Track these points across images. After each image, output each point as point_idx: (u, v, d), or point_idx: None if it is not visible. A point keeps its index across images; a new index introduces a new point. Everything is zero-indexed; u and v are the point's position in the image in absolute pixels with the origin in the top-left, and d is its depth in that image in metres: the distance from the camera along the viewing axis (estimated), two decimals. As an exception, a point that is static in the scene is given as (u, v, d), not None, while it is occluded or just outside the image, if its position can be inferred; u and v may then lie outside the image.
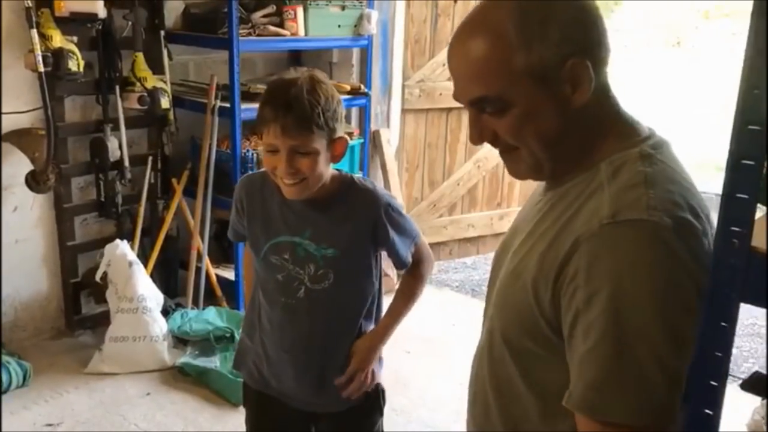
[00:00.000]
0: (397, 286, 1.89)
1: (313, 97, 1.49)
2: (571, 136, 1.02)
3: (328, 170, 1.60)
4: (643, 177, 0.96)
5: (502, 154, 1.07)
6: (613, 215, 0.93)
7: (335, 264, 1.62)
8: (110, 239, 3.30)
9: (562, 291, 0.96)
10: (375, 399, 1.80)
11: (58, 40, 2.98)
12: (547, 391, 1.04)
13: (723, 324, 0.78)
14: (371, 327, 1.75)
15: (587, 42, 0.99)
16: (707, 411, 0.80)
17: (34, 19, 2.90)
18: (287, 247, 1.64)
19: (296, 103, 1.48)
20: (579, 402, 0.93)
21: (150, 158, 3.52)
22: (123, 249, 3.19)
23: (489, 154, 4.53)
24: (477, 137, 1.05)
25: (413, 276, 1.78)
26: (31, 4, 2.91)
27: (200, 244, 3.59)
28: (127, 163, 3.38)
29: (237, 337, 3.23)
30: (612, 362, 0.90)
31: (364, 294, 1.70)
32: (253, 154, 3.49)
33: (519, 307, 1.04)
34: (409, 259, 1.72)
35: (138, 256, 3.33)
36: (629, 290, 0.90)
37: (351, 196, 1.63)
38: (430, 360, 3.39)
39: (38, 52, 2.91)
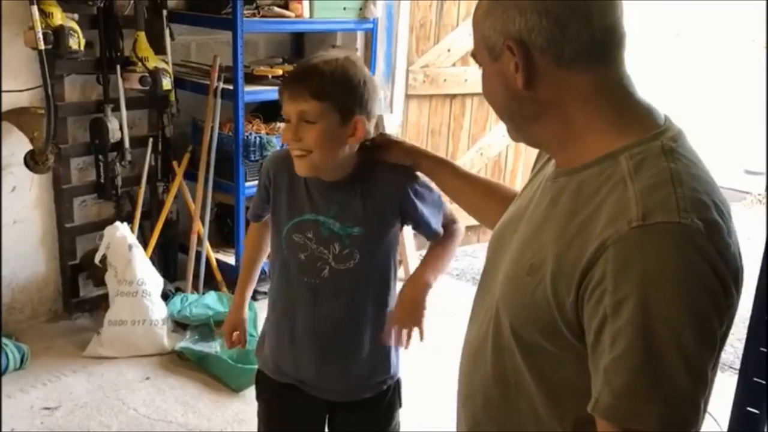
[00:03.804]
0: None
1: (335, 70, 1.48)
2: (540, 116, 1.02)
3: (341, 151, 1.53)
4: (668, 174, 0.93)
5: None
6: (644, 217, 0.89)
7: (361, 243, 1.59)
8: (109, 221, 3.25)
9: (587, 295, 0.93)
10: (394, 390, 1.77)
11: (59, 17, 2.91)
12: (556, 387, 1.03)
13: (771, 320, 0.75)
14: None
15: (545, 34, 0.96)
16: (751, 410, 0.77)
17: (34, -5, 2.84)
18: (311, 226, 1.60)
19: (313, 70, 1.49)
20: (606, 410, 0.91)
21: (150, 140, 3.47)
22: (123, 232, 3.15)
23: (492, 141, 4.49)
24: None
25: (445, 235, 1.73)
26: (31, -20, 2.84)
27: (200, 228, 3.55)
28: (127, 144, 3.32)
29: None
30: (642, 370, 0.88)
31: (389, 273, 1.68)
32: (255, 137, 3.44)
33: (534, 304, 1.00)
34: (440, 229, 1.69)
35: (137, 238, 3.28)
36: (660, 296, 0.87)
37: (375, 174, 1.59)
38: (430, 349, 3.35)
39: (38, 29, 2.84)
